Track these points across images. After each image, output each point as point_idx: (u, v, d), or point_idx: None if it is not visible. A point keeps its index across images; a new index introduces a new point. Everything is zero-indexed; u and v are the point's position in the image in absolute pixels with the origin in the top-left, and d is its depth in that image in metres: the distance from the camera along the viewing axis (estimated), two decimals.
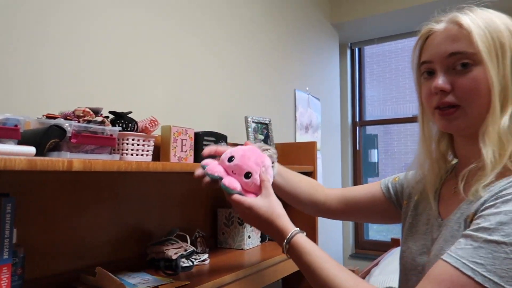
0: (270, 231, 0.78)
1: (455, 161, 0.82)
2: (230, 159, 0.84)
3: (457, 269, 0.57)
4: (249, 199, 0.79)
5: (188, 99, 1.58)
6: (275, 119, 2.13)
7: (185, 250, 1.21)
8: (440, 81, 0.69)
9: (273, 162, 0.92)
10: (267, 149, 0.94)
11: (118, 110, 0.99)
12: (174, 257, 1.15)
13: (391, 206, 0.93)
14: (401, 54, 3.46)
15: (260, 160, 0.83)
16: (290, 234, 0.74)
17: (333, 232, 2.95)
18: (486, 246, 0.56)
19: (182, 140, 1.25)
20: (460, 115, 0.69)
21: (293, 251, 0.73)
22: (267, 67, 2.10)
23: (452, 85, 0.68)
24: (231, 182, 0.80)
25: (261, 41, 2.06)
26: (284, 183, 0.99)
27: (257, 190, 0.81)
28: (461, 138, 0.74)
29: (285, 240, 0.74)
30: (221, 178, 0.81)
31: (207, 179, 0.84)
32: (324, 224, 2.75)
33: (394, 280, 1.87)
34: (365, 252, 3.23)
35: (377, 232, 3.46)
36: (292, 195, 1.00)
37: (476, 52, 0.66)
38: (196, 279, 1.07)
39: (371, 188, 0.96)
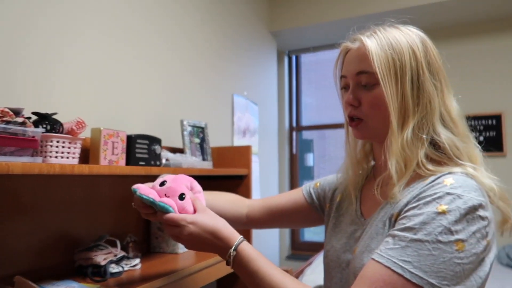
0: (214, 242, 0.75)
1: (373, 162, 0.89)
2: (162, 183, 0.83)
3: (389, 268, 0.61)
4: (191, 215, 0.77)
5: (121, 101, 1.54)
6: (212, 123, 2.15)
7: (115, 256, 1.18)
8: (350, 96, 0.76)
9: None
10: None
11: (43, 111, 0.95)
12: (102, 263, 1.12)
13: (313, 210, 0.98)
14: (332, 64, 3.64)
15: (190, 185, 0.85)
16: (237, 241, 0.74)
17: (270, 234, 3.02)
18: (412, 245, 0.61)
19: (113, 142, 1.22)
20: (363, 127, 0.77)
21: (239, 258, 0.73)
22: (205, 72, 2.11)
23: (359, 100, 0.76)
24: (168, 202, 0.78)
25: (200, 45, 2.07)
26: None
27: (191, 211, 0.80)
28: (376, 143, 0.81)
29: (233, 247, 0.73)
30: (154, 201, 0.79)
31: (147, 210, 0.82)
32: None
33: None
34: (301, 253, 3.34)
35: (314, 233, 3.58)
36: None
37: (375, 73, 0.72)
38: (126, 284, 1.05)
39: (293, 195, 1.01)
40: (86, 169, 0.91)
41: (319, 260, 2.38)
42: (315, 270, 2.13)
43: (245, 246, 0.74)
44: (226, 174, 1.57)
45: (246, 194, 1.69)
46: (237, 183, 1.70)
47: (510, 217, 0.70)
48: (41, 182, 1.14)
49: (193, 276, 1.28)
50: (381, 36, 0.74)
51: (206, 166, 1.49)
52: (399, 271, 0.60)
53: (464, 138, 0.73)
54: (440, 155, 0.71)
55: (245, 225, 1.05)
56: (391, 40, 0.73)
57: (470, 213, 0.61)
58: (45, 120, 0.92)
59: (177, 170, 1.28)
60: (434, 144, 0.72)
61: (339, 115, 3.99)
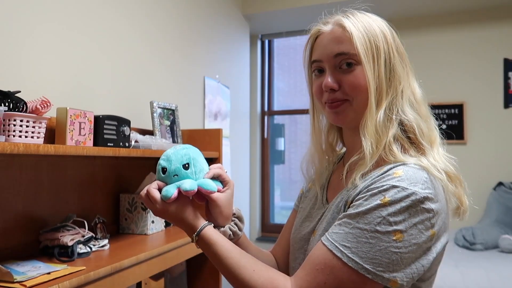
0: (183, 227, 0.76)
1: (344, 150, 0.90)
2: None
3: (331, 251, 0.65)
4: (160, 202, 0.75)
5: (89, 81, 1.51)
6: (183, 105, 2.13)
7: (83, 236, 1.18)
8: (329, 80, 0.75)
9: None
10: (235, 222, 0.84)
11: (4, 89, 0.92)
12: (70, 243, 1.12)
13: None
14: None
15: None
16: (200, 226, 0.74)
17: None
18: (353, 231, 0.65)
19: (80, 123, 1.20)
20: (346, 108, 0.75)
21: (202, 242, 0.74)
22: (176, 53, 2.09)
23: (339, 83, 0.75)
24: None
25: (171, 27, 2.04)
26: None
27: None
28: (348, 130, 0.82)
29: (195, 232, 0.74)
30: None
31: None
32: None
33: None
34: (271, 235, 3.41)
35: (283, 216, 3.66)
36: None
37: (357, 53, 0.72)
38: (94, 264, 1.06)
39: (290, 220, 0.97)
40: (51, 149, 0.89)
41: None
42: None
43: (207, 231, 0.74)
44: None
45: None
46: None
47: (462, 202, 0.72)
48: (3, 163, 1.11)
49: (162, 256, 1.30)
50: (355, 19, 0.75)
51: None
52: (339, 254, 0.64)
53: (425, 119, 0.75)
54: (403, 138, 0.73)
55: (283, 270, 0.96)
56: (365, 24, 0.74)
57: (413, 205, 0.63)
58: (7, 98, 0.89)
59: (146, 152, 1.28)
60: (401, 125, 0.74)
61: (306, 99, 4.03)
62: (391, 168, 0.69)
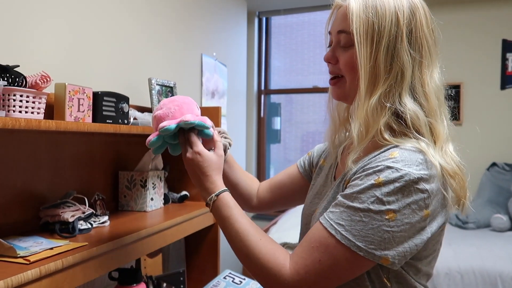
0: (203, 182, 0.80)
1: None
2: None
3: (325, 229, 0.68)
4: (202, 147, 0.82)
5: (88, 57, 1.48)
6: (181, 83, 2.11)
7: (83, 213, 1.18)
8: (329, 53, 0.78)
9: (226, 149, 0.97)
10: (225, 137, 0.98)
11: (2, 63, 0.90)
12: (71, 219, 1.12)
13: (307, 182, 0.99)
14: (307, 27, 3.62)
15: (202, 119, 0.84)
16: (221, 189, 0.79)
17: None
18: (347, 211, 0.67)
19: (79, 99, 1.18)
20: (342, 84, 0.77)
21: (218, 203, 0.78)
22: (173, 29, 2.05)
23: (337, 58, 0.76)
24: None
25: (168, 2, 2.00)
26: (229, 171, 1.02)
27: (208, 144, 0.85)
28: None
29: (215, 193, 0.78)
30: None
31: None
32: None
33: (289, 236, 2.05)
34: (265, 213, 3.45)
35: None
36: (233, 185, 1.03)
37: (351, 33, 0.72)
38: (95, 240, 1.06)
39: (289, 169, 1.03)
40: (53, 124, 0.88)
41: (283, 219, 2.48)
42: (280, 228, 2.22)
43: (226, 195, 0.78)
44: None
45: None
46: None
47: (463, 197, 0.72)
48: (2, 139, 1.09)
49: (162, 233, 1.31)
50: None
51: None
52: (333, 232, 0.66)
53: (432, 113, 0.72)
54: (400, 126, 0.72)
55: (254, 208, 1.06)
56: (378, 4, 0.71)
57: (407, 186, 0.64)
58: (6, 73, 0.87)
59: (146, 129, 1.27)
60: (398, 115, 0.72)
61: (306, 80, 3.99)
62: (385, 150, 0.70)
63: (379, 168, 0.66)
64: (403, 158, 0.66)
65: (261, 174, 3.53)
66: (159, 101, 1.60)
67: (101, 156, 1.47)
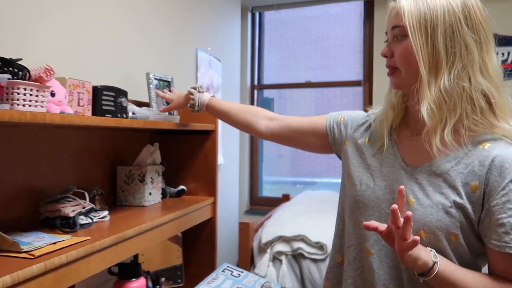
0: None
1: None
2: None
3: None
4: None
5: (87, 51, 1.47)
6: (176, 78, 2.10)
7: (84, 208, 1.18)
8: (385, 48, 0.87)
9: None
10: (191, 94, 1.25)
11: (6, 56, 0.89)
12: (71, 214, 1.12)
13: (328, 141, 1.04)
14: (299, 22, 3.63)
15: None
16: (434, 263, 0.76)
17: (230, 190, 3.09)
18: None
19: (79, 93, 1.18)
20: (398, 75, 0.85)
21: (438, 277, 0.76)
22: (169, 24, 2.04)
23: (393, 52, 0.85)
24: None
25: None
26: (215, 113, 1.24)
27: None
28: (409, 94, 0.87)
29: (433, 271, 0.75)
30: None
31: None
32: (223, 181, 2.86)
33: (285, 229, 2.07)
34: (259, 207, 3.47)
35: (269, 191, 3.71)
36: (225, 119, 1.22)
37: (404, 26, 0.80)
38: (97, 234, 1.06)
39: (316, 121, 1.06)
40: (57, 118, 0.88)
41: (278, 213, 2.50)
42: (275, 223, 2.24)
43: (442, 271, 0.76)
44: (194, 129, 1.57)
45: (213, 149, 1.72)
46: (203, 139, 1.72)
47: None
48: (3, 133, 1.08)
49: (162, 227, 1.31)
50: None
51: (173, 120, 1.49)
52: None
53: (500, 89, 0.80)
54: (484, 105, 0.79)
55: (266, 137, 1.13)
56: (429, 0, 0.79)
57: None
58: (9, 66, 0.87)
59: (147, 123, 1.27)
60: (472, 96, 0.79)
61: (299, 75, 3.97)
62: (495, 142, 0.78)
63: None
64: None
65: (254, 169, 3.55)
66: (156, 95, 1.60)
67: (99, 151, 1.47)
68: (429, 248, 0.77)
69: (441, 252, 0.78)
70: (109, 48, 1.59)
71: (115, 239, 1.05)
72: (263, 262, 2.01)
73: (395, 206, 0.73)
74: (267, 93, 3.66)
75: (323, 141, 1.04)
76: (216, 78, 2.62)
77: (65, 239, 0.99)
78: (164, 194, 1.63)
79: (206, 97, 1.24)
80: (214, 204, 1.71)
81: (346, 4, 3.24)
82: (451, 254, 0.79)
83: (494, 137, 0.79)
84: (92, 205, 1.21)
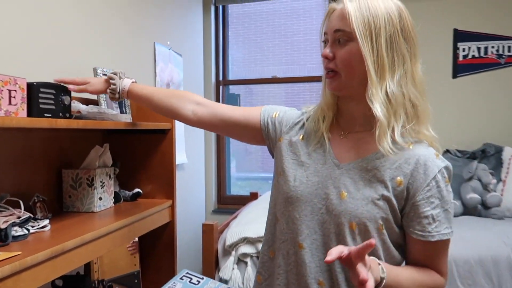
0: None
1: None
2: None
3: (447, 239, 0.86)
4: None
5: (23, 45, 1.34)
6: (132, 73, 1.98)
7: (19, 218, 1.07)
8: (326, 50, 0.88)
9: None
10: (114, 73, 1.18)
11: None
12: (2, 226, 1.00)
13: (261, 135, 1.03)
14: (265, 16, 3.56)
15: None
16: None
17: (196, 188, 3.00)
18: (445, 214, 0.85)
19: (10, 91, 1.05)
20: (336, 79, 0.87)
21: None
22: (122, 16, 1.92)
23: (334, 54, 0.86)
24: None
25: None
26: (138, 99, 1.18)
27: None
28: (343, 97, 0.92)
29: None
30: None
31: None
32: (187, 181, 2.76)
33: (250, 230, 2.00)
34: (227, 206, 3.38)
35: (240, 187, 3.64)
36: (149, 102, 1.14)
37: (352, 31, 0.82)
38: (31, 248, 0.95)
39: (249, 113, 1.04)
40: None
41: (244, 213, 2.42)
42: (240, 223, 2.17)
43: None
44: (146, 128, 1.47)
45: (170, 149, 1.62)
46: (160, 138, 1.62)
47: None
48: None
49: (112, 235, 1.21)
50: (362, 0, 0.84)
51: (124, 119, 1.38)
52: (450, 236, 0.86)
53: (424, 97, 0.87)
54: (413, 112, 0.86)
55: (193, 123, 1.08)
56: (370, 5, 0.83)
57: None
58: None
59: (88, 123, 1.16)
60: (409, 103, 0.85)
61: (266, 70, 3.90)
62: (427, 156, 0.85)
63: (443, 173, 0.84)
64: (438, 153, 0.87)
65: (221, 167, 3.46)
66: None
67: (41, 153, 1.35)
68: (377, 261, 0.81)
69: None
70: (53, 41, 1.47)
71: (51, 253, 0.95)
72: (228, 265, 1.93)
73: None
74: (233, 89, 3.58)
75: (256, 134, 1.04)
76: (177, 73, 2.51)
77: None
78: (117, 198, 1.53)
79: (126, 82, 1.18)
80: (172, 207, 1.62)
81: None
82: (378, 246, 0.85)
83: (417, 140, 0.87)
84: (29, 214, 1.10)
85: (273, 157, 1.03)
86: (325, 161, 0.91)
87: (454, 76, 3.02)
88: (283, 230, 0.93)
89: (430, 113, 0.88)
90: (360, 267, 0.72)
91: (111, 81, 1.19)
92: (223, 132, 1.10)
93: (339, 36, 0.85)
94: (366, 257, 0.74)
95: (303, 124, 0.99)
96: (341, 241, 0.85)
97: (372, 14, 0.82)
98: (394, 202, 0.84)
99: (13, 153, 1.23)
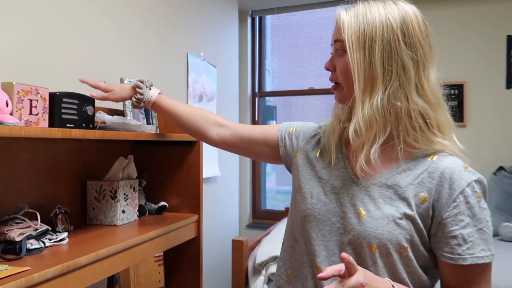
0: None
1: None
2: None
3: (487, 263, 0.75)
4: None
5: (50, 56, 1.34)
6: (163, 83, 1.97)
7: (35, 230, 1.04)
8: (327, 62, 0.86)
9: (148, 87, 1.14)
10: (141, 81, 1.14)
11: None
12: (17, 238, 0.98)
13: (278, 151, 1.01)
14: (302, 27, 3.48)
15: None
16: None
17: (229, 202, 2.93)
18: (479, 233, 0.75)
19: (31, 100, 1.04)
20: (339, 90, 0.85)
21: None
22: (156, 26, 1.91)
23: (335, 66, 0.84)
24: None
25: None
26: (162, 113, 1.15)
27: None
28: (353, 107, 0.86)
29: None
30: None
31: None
32: (219, 194, 2.71)
33: (280, 248, 1.90)
34: (262, 221, 3.29)
35: (278, 201, 3.55)
36: (172, 119, 1.13)
37: (343, 40, 0.79)
38: (43, 263, 0.91)
39: (267, 131, 1.02)
40: (6, 130, 0.75)
41: (276, 230, 2.32)
42: (271, 240, 2.07)
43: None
44: (172, 140, 1.42)
45: (197, 161, 1.56)
46: (187, 150, 1.57)
47: None
48: None
49: (130, 251, 1.16)
50: (360, 8, 0.80)
51: (148, 130, 1.34)
52: (490, 260, 0.75)
53: (436, 107, 0.79)
54: (421, 125, 0.78)
55: (216, 144, 1.08)
56: (368, 13, 0.78)
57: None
58: None
59: (106, 133, 1.13)
60: (410, 115, 0.78)
61: (305, 82, 3.80)
62: (455, 170, 0.76)
63: (473, 186, 0.75)
64: (466, 164, 0.78)
65: (256, 180, 3.38)
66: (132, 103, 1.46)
67: (66, 164, 1.33)
68: (387, 279, 0.75)
69: (392, 267, 0.77)
70: (81, 52, 1.47)
71: (61, 269, 0.90)
72: (257, 285, 1.83)
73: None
74: (270, 100, 3.52)
75: (274, 152, 1.01)
76: (210, 85, 2.48)
77: (2, 268, 0.84)
78: (142, 211, 1.48)
79: (153, 93, 1.14)
80: (198, 222, 1.55)
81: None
82: (401, 269, 0.77)
83: (439, 150, 0.80)
84: (46, 227, 1.07)
85: (291, 174, 0.99)
86: (342, 177, 0.86)
87: (508, 86, 2.78)
88: (301, 251, 0.88)
89: (451, 122, 0.81)
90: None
91: (138, 90, 1.15)
92: (243, 151, 1.07)
93: (338, 46, 0.82)
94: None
95: (319, 139, 0.95)
96: (361, 264, 0.77)
97: (368, 21, 0.77)
98: (419, 221, 0.76)
99: (36, 163, 1.22)
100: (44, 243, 1.03)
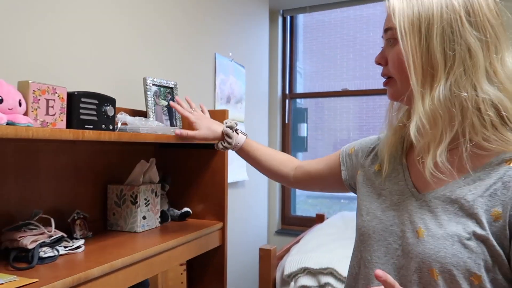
0: None
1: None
2: None
3: None
4: None
5: (69, 54, 1.30)
6: (191, 84, 1.91)
7: (50, 237, 0.98)
8: (378, 55, 0.77)
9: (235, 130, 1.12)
10: (231, 127, 1.13)
11: None
12: (30, 246, 0.92)
13: (341, 177, 0.98)
14: (335, 26, 3.35)
15: None
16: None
17: (258, 207, 2.84)
18: None
19: (47, 100, 0.99)
20: (392, 85, 0.76)
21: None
22: (180, 25, 1.85)
23: (386, 58, 0.75)
24: None
25: None
26: (247, 159, 1.15)
27: None
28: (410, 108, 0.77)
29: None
30: None
31: None
32: (247, 199, 2.62)
33: (311, 260, 1.78)
34: (292, 228, 3.17)
35: (309, 205, 3.43)
36: (256, 165, 1.15)
37: (394, 28, 0.69)
38: (54, 273, 0.85)
39: (331, 161, 1.01)
40: (12, 131, 0.69)
41: (306, 238, 2.20)
42: (301, 250, 1.95)
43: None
44: (195, 142, 1.34)
45: (222, 166, 1.48)
46: (211, 153, 1.49)
47: None
48: None
49: (148, 261, 1.09)
50: None
51: (170, 132, 1.27)
52: None
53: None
54: (495, 118, 0.66)
55: (292, 185, 1.12)
56: None
57: None
58: None
59: (123, 135, 1.06)
60: (478, 107, 0.66)
61: (337, 84, 3.65)
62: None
63: None
64: None
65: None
66: (155, 103, 1.40)
67: (87, 166, 1.28)
68: None
69: None
70: (103, 51, 1.42)
71: (72, 281, 0.84)
72: None
73: None
74: (300, 102, 3.40)
75: (341, 180, 0.97)
76: (238, 86, 2.40)
77: (4, 281, 0.78)
78: (165, 217, 1.42)
79: (241, 139, 1.14)
80: (223, 230, 1.47)
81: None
82: None
83: None
84: (61, 234, 1.01)
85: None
86: (401, 191, 0.77)
87: None
88: (359, 276, 0.81)
89: None
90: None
91: (227, 138, 1.12)
92: (315, 187, 1.09)
93: (389, 35, 0.74)
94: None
95: (378, 152, 0.88)
96: None
97: (424, 4, 0.67)
98: (494, 243, 0.63)
99: (56, 166, 1.17)
100: (58, 251, 0.97)
